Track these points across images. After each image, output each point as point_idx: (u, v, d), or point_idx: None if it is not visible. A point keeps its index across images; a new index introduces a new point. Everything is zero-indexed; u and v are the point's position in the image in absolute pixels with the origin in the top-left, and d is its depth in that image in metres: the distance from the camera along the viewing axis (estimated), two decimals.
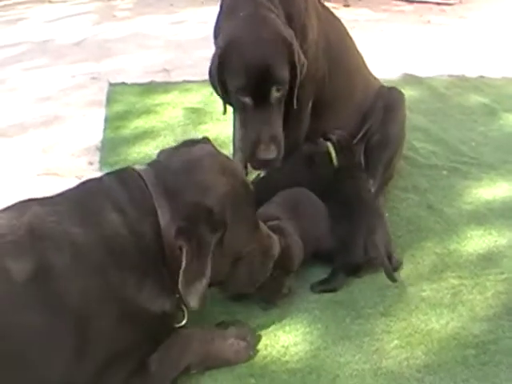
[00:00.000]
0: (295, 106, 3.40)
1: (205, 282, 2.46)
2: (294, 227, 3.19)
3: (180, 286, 2.43)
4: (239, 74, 3.23)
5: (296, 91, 3.36)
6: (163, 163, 2.68)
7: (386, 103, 4.01)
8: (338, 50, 3.90)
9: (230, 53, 3.27)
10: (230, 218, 2.53)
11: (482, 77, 6.31)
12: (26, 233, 2.34)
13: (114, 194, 2.51)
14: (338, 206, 3.38)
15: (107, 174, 2.72)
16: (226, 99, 3.43)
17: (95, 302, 2.34)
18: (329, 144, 3.73)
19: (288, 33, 3.30)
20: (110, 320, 2.37)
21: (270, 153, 3.28)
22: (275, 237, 2.88)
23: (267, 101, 3.27)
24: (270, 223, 3.03)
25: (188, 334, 2.72)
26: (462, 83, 6.08)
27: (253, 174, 3.93)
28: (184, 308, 2.62)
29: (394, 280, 3.13)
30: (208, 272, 2.45)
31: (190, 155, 2.69)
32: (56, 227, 2.39)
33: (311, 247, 3.25)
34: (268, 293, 3.00)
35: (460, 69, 6.44)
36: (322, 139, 3.76)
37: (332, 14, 4.03)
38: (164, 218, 2.47)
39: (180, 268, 2.41)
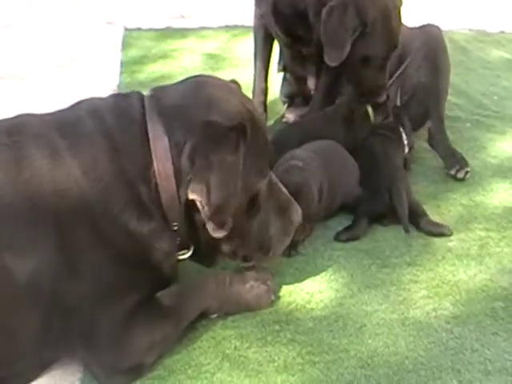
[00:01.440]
0: None
1: (233, 201, 2.35)
2: (320, 175, 3.13)
3: (208, 216, 2.31)
4: None
5: None
6: (168, 89, 2.54)
7: (424, 40, 3.96)
8: None
9: None
10: (246, 140, 2.37)
11: (502, 32, 6.21)
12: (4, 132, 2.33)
13: (105, 114, 2.38)
14: (367, 161, 3.37)
15: (112, 94, 2.62)
16: None
17: (73, 213, 2.25)
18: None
19: None
20: (91, 239, 2.26)
21: None
22: (297, 204, 2.72)
23: None
24: (293, 162, 3.01)
25: (204, 276, 2.66)
26: (484, 38, 5.99)
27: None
28: (188, 242, 2.51)
29: (406, 230, 3.11)
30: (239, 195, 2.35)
31: (195, 80, 2.59)
32: (37, 129, 2.35)
33: (340, 198, 3.24)
34: None
35: (481, 23, 6.33)
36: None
37: None
38: (159, 139, 2.33)
39: (174, 192, 2.33)
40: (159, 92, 2.49)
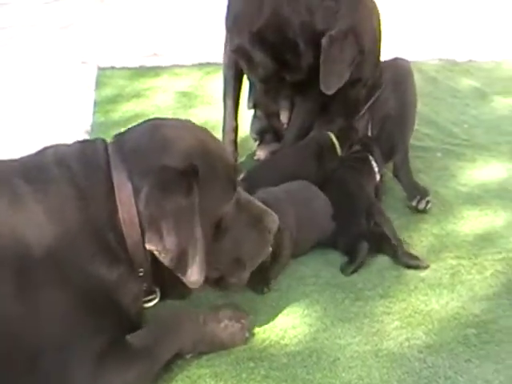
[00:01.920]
0: None
1: (200, 247, 2.34)
2: (293, 216, 3.18)
3: (170, 264, 2.33)
4: None
5: None
6: (128, 134, 2.55)
7: (393, 73, 4.03)
8: None
9: None
10: (201, 175, 2.39)
11: (471, 61, 6.29)
12: None
13: (71, 162, 2.38)
14: (339, 192, 3.41)
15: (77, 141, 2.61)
16: None
17: (35, 259, 2.22)
18: (331, 135, 3.76)
19: None
20: (55, 284, 2.24)
21: None
22: (270, 210, 2.73)
23: None
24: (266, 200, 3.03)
25: (178, 315, 2.65)
26: (453, 67, 6.06)
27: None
28: (155, 288, 2.52)
29: (397, 246, 3.17)
30: (199, 235, 2.34)
31: (152, 123, 2.60)
32: (1, 175, 2.35)
33: (313, 235, 3.27)
34: (252, 283, 2.89)
35: (450, 53, 6.41)
36: (324, 131, 3.80)
37: None
38: (123, 186, 2.34)
39: (139, 238, 2.32)
40: (121, 138, 2.51)
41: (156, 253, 2.32)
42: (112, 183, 2.34)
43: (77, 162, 2.38)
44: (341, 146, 3.72)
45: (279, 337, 2.74)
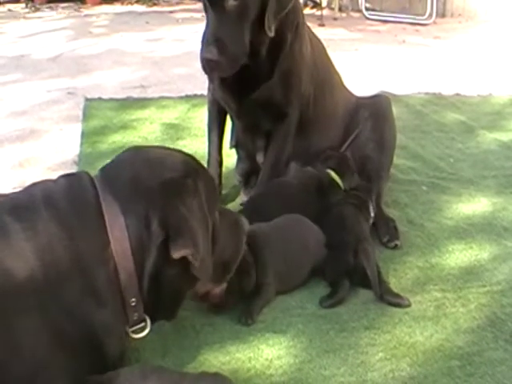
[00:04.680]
0: (267, 27, 3.44)
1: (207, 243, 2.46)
2: (280, 252, 3.19)
3: (200, 266, 2.40)
4: None
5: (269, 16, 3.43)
6: (112, 166, 2.58)
7: (372, 111, 4.06)
8: (323, 72, 3.99)
9: None
10: (201, 180, 2.52)
11: (457, 94, 6.38)
12: None
13: (59, 200, 2.36)
14: (336, 224, 3.43)
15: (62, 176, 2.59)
16: None
17: (19, 294, 2.19)
18: (328, 171, 3.77)
19: None
20: (35, 321, 2.19)
21: (209, 52, 3.36)
22: (239, 215, 2.91)
23: (222, 6, 3.36)
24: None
25: (150, 367, 2.49)
26: (439, 101, 6.14)
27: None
28: (145, 316, 2.50)
29: (376, 291, 3.14)
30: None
31: (132, 151, 2.65)
32: None
33: (305, 270, 3.28)
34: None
35: (436, 87, 6.50)
36: (320, 165, 3.81)
37: (314, 35, 4.05)
38: (115, 219, 2.34)
39: (133, 269, 2.35)
40: (106, 171, 2.53)
41: (190, 257, 2.36)
42: (103, 218, 2.34)
43: (65, 200, 2.36)
44: (341, 178, 3.74)
45: (264, 367, 2.73)
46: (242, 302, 3.03)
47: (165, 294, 2.47)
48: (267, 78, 3.62)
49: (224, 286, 2.86)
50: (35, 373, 2.20)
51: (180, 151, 2.70)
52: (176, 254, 2.35)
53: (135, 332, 2.52)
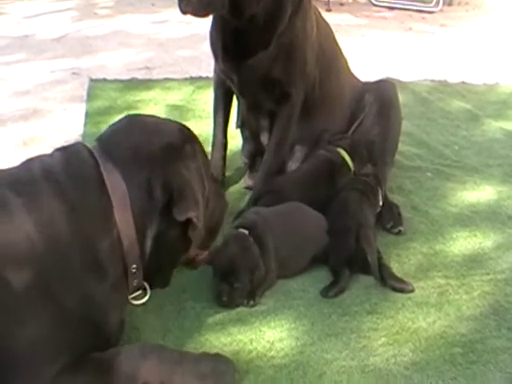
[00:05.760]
0: None
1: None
2: (281, 237, 3.17)
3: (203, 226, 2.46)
4: None
5: None
6: (108, 135, 2.57)
7: (377, 96, 4.04)
8: (329, 55, 3.95)
9: None
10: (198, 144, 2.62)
11: (463, 83, 6.37)
12: None
13: (59, 174, 2.34)
14: (339, 208, 3.42)
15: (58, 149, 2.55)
16: None
17: (20, 265, 2.18)
18: (341, 151, 3.75)
19: None
20: (35, 293, 2.17)
21: None
22: None
23: None
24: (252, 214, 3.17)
25: (151, 346, 2.49)
26: (444, 88, 6.12)
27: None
28: (143, 283, 2.52)
29: (376, 276, 3.13)
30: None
31: (127, 119, 2.64)
32: None
33: (307, 255, 3.25)
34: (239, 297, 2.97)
35: (442, 74, 6.47)
36: (332, 147, 3.80)
37: (323, 18, 4.01)
38: (117, 186, 2.34)
39: (135, 237, 2.36)
40: (103, 140, 2.51)
41: (194, 219, 2.39)
42: (105, 187, 2.33)
43: (64, 173, 2.35)
44: (352, 160, 3.73)
45: (266, 349, 2.72)
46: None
47: (163, 258, 2.50)
48: (264, 46, 3.53)
49: (207, 252, 2.89)
50: (37, 345, 2.19)
51: (170, 119, 2.74)
52: (181, 217, 2.37)
53: (135, 299, 2.56)
